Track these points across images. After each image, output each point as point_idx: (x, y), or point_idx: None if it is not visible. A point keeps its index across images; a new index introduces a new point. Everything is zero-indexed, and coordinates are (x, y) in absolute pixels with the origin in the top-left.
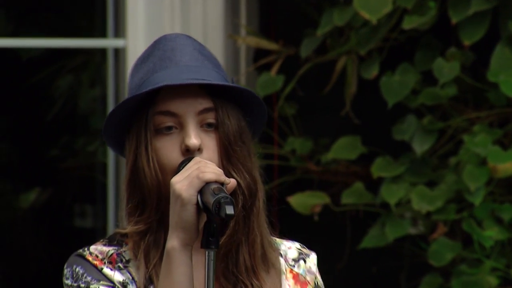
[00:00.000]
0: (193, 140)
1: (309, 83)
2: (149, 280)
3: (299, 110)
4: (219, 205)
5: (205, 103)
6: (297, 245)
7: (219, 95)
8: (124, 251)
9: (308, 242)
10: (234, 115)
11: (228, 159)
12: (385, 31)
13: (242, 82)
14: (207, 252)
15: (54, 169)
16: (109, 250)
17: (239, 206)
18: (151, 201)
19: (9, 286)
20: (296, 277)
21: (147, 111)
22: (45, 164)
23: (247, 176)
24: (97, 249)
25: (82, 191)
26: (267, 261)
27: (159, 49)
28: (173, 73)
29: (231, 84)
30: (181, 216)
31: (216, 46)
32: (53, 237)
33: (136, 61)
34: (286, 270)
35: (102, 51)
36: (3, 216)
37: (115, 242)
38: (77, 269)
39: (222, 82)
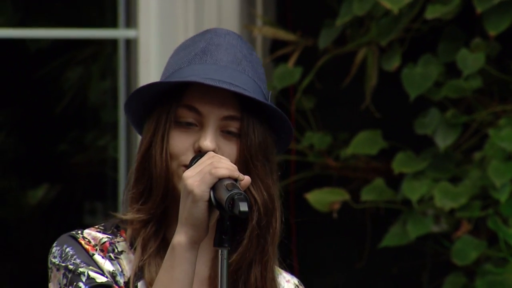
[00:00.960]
0: (208, 143)
1: (327, 75)
2: (140, 269)
3: (317, 103)
4: (232, 201)
5: (232, 111)
6: (295, 280)
7: (249, 105)
8: (118, 242)
9: (326, 240)
10: (260, 130)
11: (247, 172)
12: (407, 21)
13: None
14: (220, 251)
15: (63, 165)
16: (102, 238)
17: (253, 222)
18: (157, 191)
19: (16, 286)
20: None
21: (173, 100)
22: (53, 160)
23: (264, 193)
24: (91, 234)
25: (92, 188)
26: (276, 285)
27: (205, 40)
28: (209, 71)
29: (262, 100)
30: (192, 212)
31: None
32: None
33: (183, 43)
34: None
35: (113, 42)
36: (10, 213)
37: (110, 231)
38: (67, 250)
39: (257, 94)
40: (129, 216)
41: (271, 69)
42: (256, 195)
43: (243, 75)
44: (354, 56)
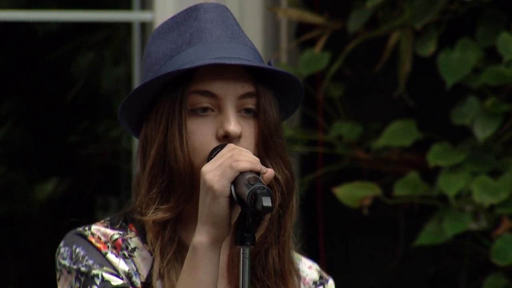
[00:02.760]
0: (234, 126)
1: (358, 61)
2: (160, 278)
3: (347, 91)
4: (255, 196)
5: (247, 87)
6: (316, 266)
7: (260, 77)
8: (130, 238)
9: (356, 239)
10: (275, 103)
11: (266, 151)
12: (443, 3)
13: (283, 60)
14: (241, 250)
15: (74, 157)
16: (113, 234)
17: (277, 203)
18: (181, 188)
19: (24, 286)
20: None
21: (183, 88)
22: (63, 151)
23: (286, 171)
24: (100, 230)
25: (104, 182)
26: (294, 267)
27: (195, 18)
28: (216, 50)
29: (279, 69)
30: (212, 209)
31: (254, 19)
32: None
33: (161, 28)
34: None
35: (127, 25)
36: (17, 209)
37: (119, 226)
38: (77, 250)
39: (263, 63)
40: (148, 217)
41: (296, 54)
42: (277, 174)
43: (246, 47)
44: (386, 40)
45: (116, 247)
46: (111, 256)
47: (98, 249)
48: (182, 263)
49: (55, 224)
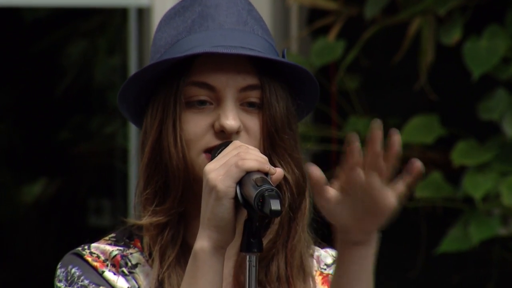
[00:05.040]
0: (231, 121)
1: (375, 50)
2: (161, 284)
3: (363, 83)
4: (262, 199)
5: (250, 79)
6: (333, 252)
7: (266, 69)
8: (131, 253)
9: None
10: (283, 96)
11: (273, 148)
12: None
13: (294, 49)
14: (248, 257)
15: (64, 156)
16: (112, 251)
17: (286, 205)
18: (175, 187)
19: None
20: (325, 277)
21: (179, 79)
22: (53, 150)
23: (296, 170)
24: (99, 248)
25: (98, 183)
26: (304, 270)
27: (200, 3)
28: (216, 37)
29: (285, 61)
30: (215, 212)
31: (262, 4)
32: (63, 238)
33: (168, 13)
34: (315, 273)
35: (123, 11)
36: (1, 213)
37: (122, 243)
38: (73, 270)
39: (273, 54)
40: (144, 220)
41: (308, 43)
42: (286, 174)
43: (253, 35)
44: (407, 27)
45: (115, 264)
46: (108, 274)
47: (95, 268)
48: (185, 267)
49: (43, 229)
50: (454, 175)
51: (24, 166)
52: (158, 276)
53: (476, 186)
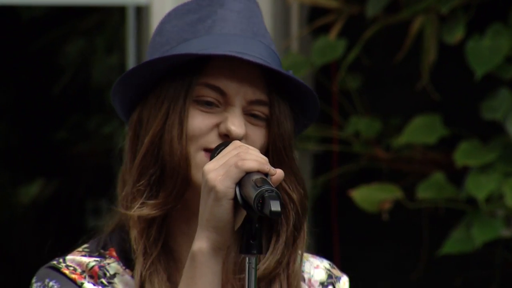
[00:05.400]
0: (237, 127)
1: (377, 49)
2: (140, 281)
3: (365, 82)
4: (262, 199)
5: (259, 94)
6: (325, 264)
7: (274, 83)
8: (108, 264)
9: (375, 246)
10: (289, 115)
11: (280, 165)
12: None
13: (294, 48)
14: (247, 259)
15: (62, 156)
16: (89, 262)
17: (291, 225)
18: (172, 183)
19: None
20: None
21: (192, 76)
22: (50, 150)
23: (301, 190)
24: (75, 260)
25: (96, 183)
26: None
27: (222, 5)
28: (237, 43)
29: (299, 80)
30: (214, 212)
31: (261, 2)
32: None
33: (181, 7)
34: None
35: (121, 10)
36: None
37: (97, 253)
38: (51, 284)
39: (281, 68)
40: (134, 212)
41: (309, 42)
42: (291, 193)
43: (269, 49)
44: (409, 26)
45: (93, 275)
46: (88, 286)
47: (73, 281)
48: (166, 267)
49: (41, 231)
50: (457, 176)
51: (21, 166)
52: (141, 273)
53: (479, 187)
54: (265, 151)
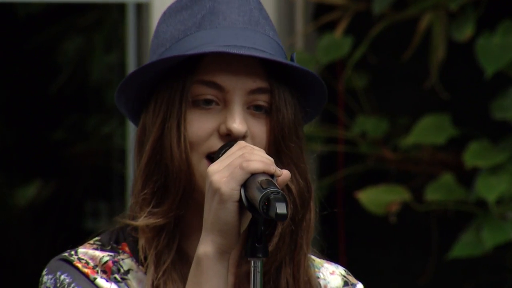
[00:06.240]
0: (238, 125)
1: (384, 47)
2: None
3: (371, 81)
4: (268, 202)
5: (260, 82)
6: (341, 270)
7: (276, 71)
8: (122, 259)
9: (382, 250)
10: (292, 102)
11: (278, 156)
12: None
13: (299, 46)
14: (253, 262)
15: (60, 156)
16: (103, 256)
17: (289, 217)
18: (175, 189)
19: None
20: None
21: (186, 76)
22: (47, 150)
23: (300, 180)
24: (88, 253)
25: (95, 185)
26: (312, 285)
27: None
28: (227, 36)
29: (298, 66)
30: (219, 215)
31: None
32: (58, 243)
33: (174, 5)
34: None
35: (120, 7)
36: None
37: (109, 247)
38: (62, 277)
39: (282, 56)
40: (140, 222)
41: (314, 39)
42: (290, 184)
43: (264, 36)
44: (417, 23)
45: (107, 270)
46: (101, 281)
47: (86, 275)
48: (182, 274)
49: (38, 234)
50: (466, 177)
51: (17, 167)
52: (153, 282)
53: (489, 189)
54: (267, 140)
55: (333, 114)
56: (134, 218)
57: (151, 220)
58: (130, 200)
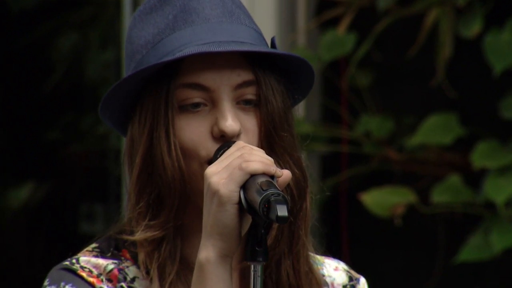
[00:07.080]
0: (231, 123)
1: (389, 44)
2: None
3: (376, 79)
4: (268, 204)
5: (245, 75)
6: (343, 265)
7: (260, 61)
8: (127, 267)
9: (387, 253)
10: (279, 90)
11: (271, 147)
12: None
13: (301, 43)
14: (253, 266)
15: (54, 157)
16: (107, 264)
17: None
18: (171, 199)
19: None
20: None
21: (169, 81)
22: (41, 151)
23: (296, 170)
24: (90, 261)
25: (90, 186)
26: (314, 279)
27: None
28: (203, 33)
29: (280, 52)
30: (218, 218)
31: None
32: (53, 247)
33: (143, 8)
34: None
35: (116, 2)
36: None
37: (110, 254)
38: None
39: (263, 44)
40: (138, 236)
41: (317, 36)
42: None
43: (241, 26)
44: (423, 19)
45: (112, 279)
46: None
47: (91, 284)
48: (188, 283)
49: (31, 237)
50: (474, 179)
51: (10, 168)
52: None
53: (498, 190)
54: (259, 133)
55: (336, 113)
56: (131, 233)
57: (149, 233)
58: (126, 215)
